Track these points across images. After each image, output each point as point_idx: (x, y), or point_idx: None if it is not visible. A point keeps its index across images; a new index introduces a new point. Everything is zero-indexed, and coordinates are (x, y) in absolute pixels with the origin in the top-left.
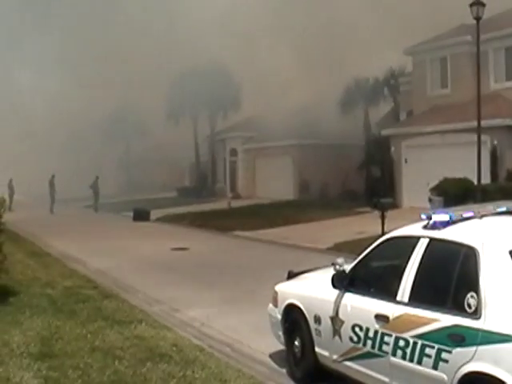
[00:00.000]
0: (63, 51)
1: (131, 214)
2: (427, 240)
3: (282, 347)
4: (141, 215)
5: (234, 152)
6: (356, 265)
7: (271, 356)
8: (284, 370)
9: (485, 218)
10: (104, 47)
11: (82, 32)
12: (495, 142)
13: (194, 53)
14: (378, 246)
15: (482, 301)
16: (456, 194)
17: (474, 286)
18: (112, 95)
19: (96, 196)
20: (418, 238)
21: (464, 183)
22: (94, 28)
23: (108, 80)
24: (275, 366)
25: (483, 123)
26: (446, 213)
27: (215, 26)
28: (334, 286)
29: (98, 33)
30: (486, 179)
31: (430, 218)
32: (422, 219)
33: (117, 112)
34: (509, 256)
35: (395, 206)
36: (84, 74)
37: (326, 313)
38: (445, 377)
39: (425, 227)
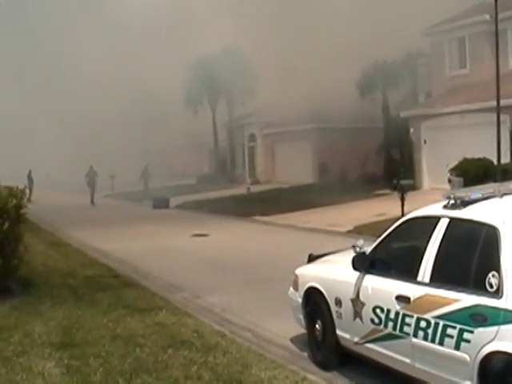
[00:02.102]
0: (79, 41)
1: (151, 202)
2: (447, 220)
3: (302, 331)
4: (160, 203)
5: (252, 137)
6: (376, 246)
7: (292, 340)
8: (305, 354)
9: (505, 197)
10: (121, 35)
11: (100, 19)
12: None
13: (211, 39)
14: (399, 226)
15: (504, 280)
16: (476, 175)
17: (495, 266)
18: (130, 83)
19: (146, 184)
20: (438, 218)
21: (484, 163)
22: (112, 15)
23: (125, 68)
24: (296, 350)
25: (502, 102)
26: (466, 192)
27: (231, 12)
28: (355, 268)
29: (115, 20)
30: (505, 159)
31: (450, 198)
32: (442, 199)
33: (135, 100)
34: None
35: (415, 187)
36: (102, 63)
37: (347, 295)
38: (467, 357)
39: (445, 207)
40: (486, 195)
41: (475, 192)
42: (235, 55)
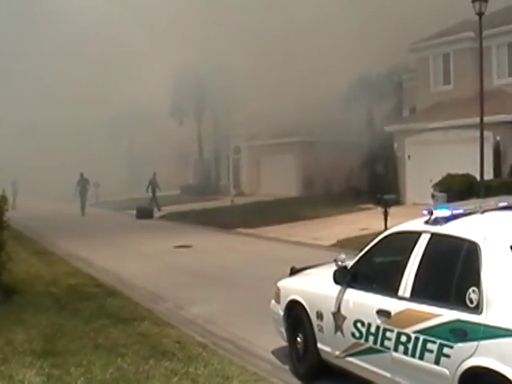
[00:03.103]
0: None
1: (134, 211)
2: (429, 235)
3: (284, 344)
4: (144, 213)
5: (237, 149)
6: (358, 260)
7: (274, 352)
8: (287, 367)
9: (486, 213)
10: (107, 43)
11: (84, 27)
12: (498, 138)
13: (197, 49)
14: (380, 241)
15: (484, 295)
16: (459, 190)
17: (476, 281)
18: (115, 92)
19: (154, 193)
20: (419, 234)
21: (467, 179)
22: (97, 24)
23: (111, 77)
24: (278, 363)
25: (486, 119)
26: (448, 208)
27: (218, 24)
28: (336, 281)
29: (100, 28)
30: (489, 175)
31: (432, 214)
32: (423, 215)
33: (120, 109)
34: (510, 250)
35: (399, 202)
36: (87, 71)
37: (328, 309)
38: (447, 372)
39: (426, 222)
40: (467, 211)
41: (456, 208)
42: (221, 67)
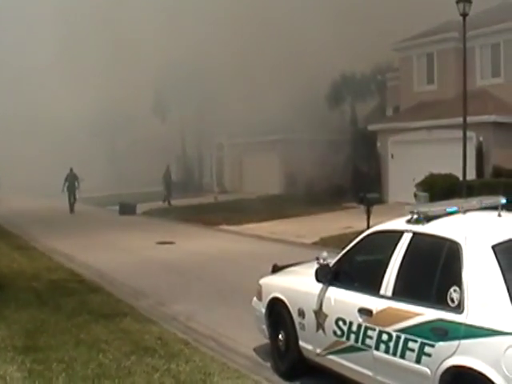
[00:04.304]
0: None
1: (117, 207)
2: (411, 234)
3: (266, 341)
4: (127, 209)
5: (220, 146)
6: (340, 259)
7: (255, 350)
8: (268, 364)
9: (468, 213)
10: (90, 42)
11: (65, 24)
12: (481, 139)
13: (181, 46)
14: (362, 240)
15: (465, 295)
16: (442, 190)
17: (457, 281)
18: (97, 89)
19: (168, 185)
20: (401, 233)
21: (450, 179)
22: (79, 22)
23: (93, 74)
24: (259, 360)
25: (469, 119)
26: (430, 207)
27: (201, 21)
28: (318, 279)
29: (83, 27)
30: (471, 175)
31: (414, 213)
32: (406, 214)
33: (103, 106)
34: (491, 251)
35: (381, 201)
36: (69, 69)
37: (310, 306)
38: (428, 370)
39: (408, 221)
40: (448, 211)
41: (438, 207)
42: (204, 65)
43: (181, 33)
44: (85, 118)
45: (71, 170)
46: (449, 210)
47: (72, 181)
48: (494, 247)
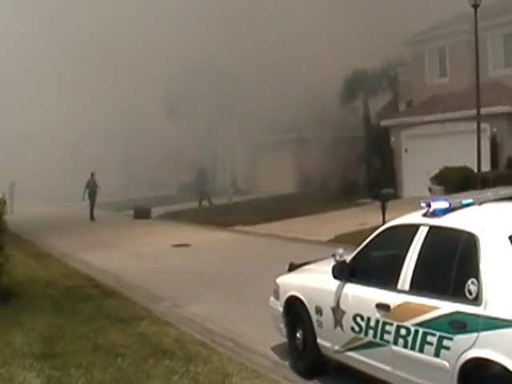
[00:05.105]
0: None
1: (132, 212)
2: (427, 228)
3: (284, 340)
4: (142, 213)
5: (233, 147)
6: (356, 255)
7: (273, 349)
8: (287, 363)
9: (484, 205)
10: (103, 47)
11: (78, 28)
12: (495, 130)
13: (192, 49)
14: (378, 235)
15: (483, 287)
16: (456, 183)
17: (475, 273)
18: (111, 94)
19: (202, 186)
20: (417, 226)
21: (464, 172)
22: (92, 25)
23: (107, 79)
24: (278, 359)
25: (483, 111)
26: (446, 200)
27: (212, 20)
28: (335, 276)
29: (94, 31)
30: (486, 167)
31: (430, 206)
32: (421, 207)
33: (116, 111)
34: (508, 241)
35: (396, 196)
36: (82, 73)
37: (328, 304)
38: (447, 364)
39: (424, 215)
40: (464, 203)
41: (454, 200)
42: (217, 65)
43: (192, 35)
44: (98, 124)
45: (92, 174)
46: (464, 201)
47: (93, 187)
48: (511, 238)
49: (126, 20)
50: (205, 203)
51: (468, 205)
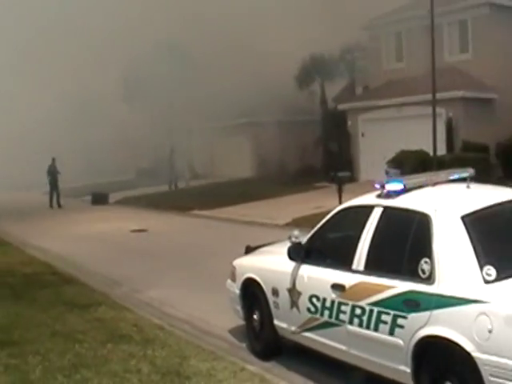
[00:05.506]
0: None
1: (90, 197)
2: (381, 209)
3: (241, 322)
4: (100, 199)
5: (191, 132)
6: (312, 236)
7: (231, 331)
8: (244, 345)
9: (437, 186)
10: (60, 32)
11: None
12: (450, 114)
13: (148, 33)
14: (333, 216)
15: (436, 266)
16: (412, 166)
17: (428, 252)
18: (68, 79)
19: (172, 167)
20: (372, 207)
21: (420, 155)
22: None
23: (64, 63)
24: (235, 341)
25: (438, 96)
26: (400, 181)
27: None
28: (291, 258)
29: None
30: (442, 151)
31: (384, 187)
32: (376, 189)
33: (74, 96)
34: (460, 221)
35: (353, 179)
36: (40, 58)
37: (284, 285)
38: (401, 342)
39: (379, 196)
40: (418, 184)
41: (408, 181)
42: (172, 49)
43: (148, 19)
44: (56, 110)
45: (53, 160)
46: (417, 183)
47: (54, 173)
48: (463, 218)
49: (84, 4)
50: (172, 187)
51: (422, 186)
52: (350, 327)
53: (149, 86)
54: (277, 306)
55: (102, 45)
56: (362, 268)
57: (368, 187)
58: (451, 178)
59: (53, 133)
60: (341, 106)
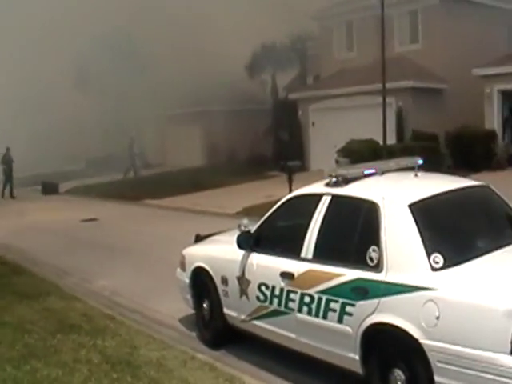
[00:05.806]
0: None
1: (40, 187)
2: (329, 197)
3: (191, 311)
4: (50, 188)
5: (142, 120)
6: (261, 225)
7: (181, 320)
8: (194, 334)
9: (386, 174)
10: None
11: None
12: (400, 104)
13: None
14: (282, 205)
15: (384, 254)
16: (363, 155)
17: (376, 240)
18: (18, 67)
19: (132, 155)
20: (320, 196)
21: (370, 144)
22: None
23: (14, 51)
24: (185, 330)
25: (388, 85)
26: (347, 170)
27: None
28: (240, 246)
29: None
30: (392, 140)
31: (332, 176)
32: (326, 178)
33: (24, 84)
34: (408, 210)
35: (304, 168)
36: None
37: (233, 273)
38: (349, 329)
39: (327, 185)
40: (366, 173)
41: (356, 170)
42: (125, 36)
43: (100, 7)
44: (4, 98)
45: (8, 149)
46: (366, 171)
47: (9, 162)
48: (410, 206)
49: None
50: (130, 174)
51: (370, 174)
52: (299, 315)
53: (100, 74)
54: (226, 294)
55: (53, 33)
56: (310, 256)
57: (318, 176)
58: (399, 166)
59: (2, 121)
60: (292, 96)
